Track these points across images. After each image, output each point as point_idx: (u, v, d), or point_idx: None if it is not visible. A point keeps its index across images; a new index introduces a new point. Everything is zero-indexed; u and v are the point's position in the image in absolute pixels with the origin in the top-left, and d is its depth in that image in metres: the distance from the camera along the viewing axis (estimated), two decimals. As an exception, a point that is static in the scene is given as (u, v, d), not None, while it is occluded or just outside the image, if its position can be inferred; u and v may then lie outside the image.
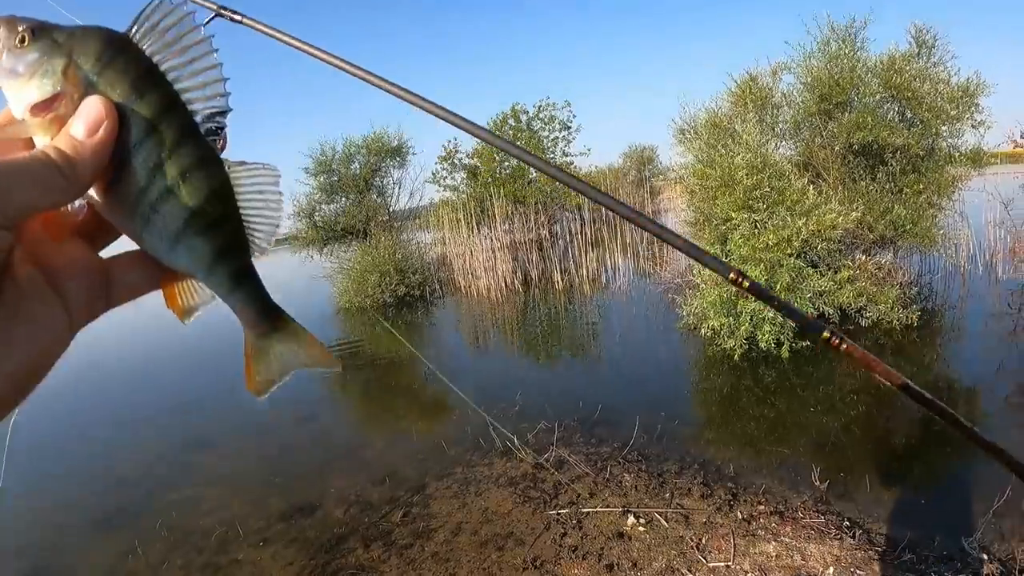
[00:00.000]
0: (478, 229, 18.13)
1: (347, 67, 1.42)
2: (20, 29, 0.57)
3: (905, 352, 8.59)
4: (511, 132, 23.40)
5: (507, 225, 19.77)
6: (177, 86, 0.60)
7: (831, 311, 8.77)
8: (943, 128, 10.45)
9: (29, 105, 0.58)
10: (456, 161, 23.63)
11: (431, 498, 5.86)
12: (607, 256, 16.85)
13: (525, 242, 19.27)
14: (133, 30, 0.60)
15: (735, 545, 4.58)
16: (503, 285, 16.28)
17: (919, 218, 10.17)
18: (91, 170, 0.56)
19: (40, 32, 0.57)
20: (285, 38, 1.52)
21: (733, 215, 8.77)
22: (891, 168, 10.39)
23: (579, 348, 11.26)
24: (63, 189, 0.54)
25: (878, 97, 10.61)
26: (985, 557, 4.22)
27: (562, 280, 16.28)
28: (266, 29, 1.54)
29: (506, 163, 23.03)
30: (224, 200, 0.63)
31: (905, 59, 10.46)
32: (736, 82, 11.54)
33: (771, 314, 8.17)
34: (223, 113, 0.63)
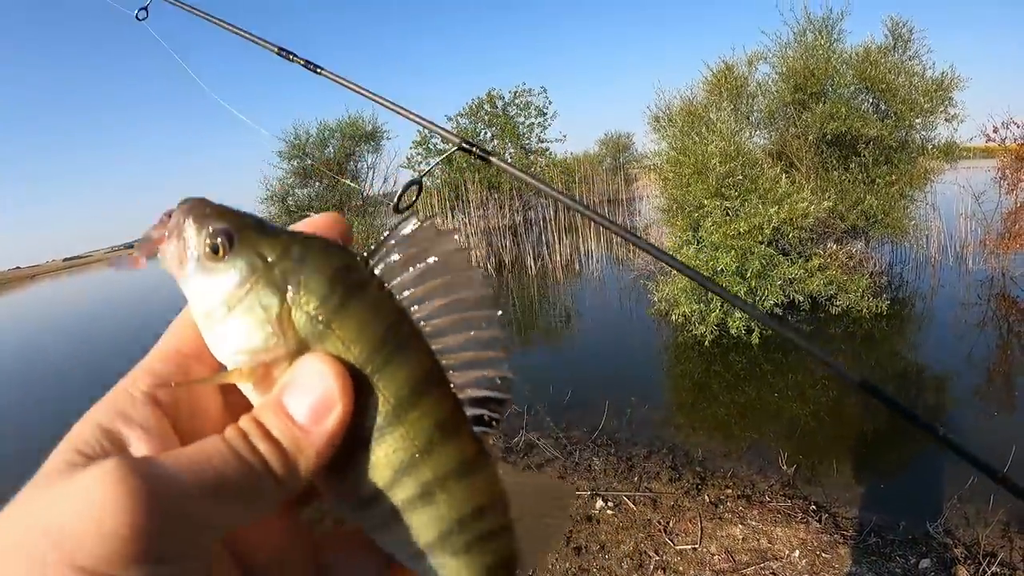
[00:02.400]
0: (452, 215, 18.07)
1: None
2: (214, 231, 0.42)
3: (875, 340, 8.67)
4: (487, 118, 23.31)
5: (481, 211, 19.69)
6: (437, 345, 0.45)
7: (801, 299, 8.84)
8: (916, 121, 10.56)
9: (228, 348, 0.43)
10: (431, 146, 23.50)
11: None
12: (581, 242, 16.85)
13: (499, 228, 19.22)
14: (377, 257, 0.45)
15: (702, 528, 4.60)
16: (477, 271, 16.29)
17: (891, 209, 10.27)
18: (315, 468, 0.42)
19: (240, 241, 0.43)
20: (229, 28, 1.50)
21: (706, 202, 8.79)
22: (864, 159, 10.47)
23: (551, 333, 11.27)
24: (271, 500, 0.41)
25: (852, 88, 10.70)
26: (950, 541, 4.28)
27: (535, 266, 16.28)
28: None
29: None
30: (494, 513, 0.47)
31: (881, 52, 10.55)
32: (712, 71, 11.56)
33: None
34: (501, 403, 0.46)
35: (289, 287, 0.42)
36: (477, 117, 23.34)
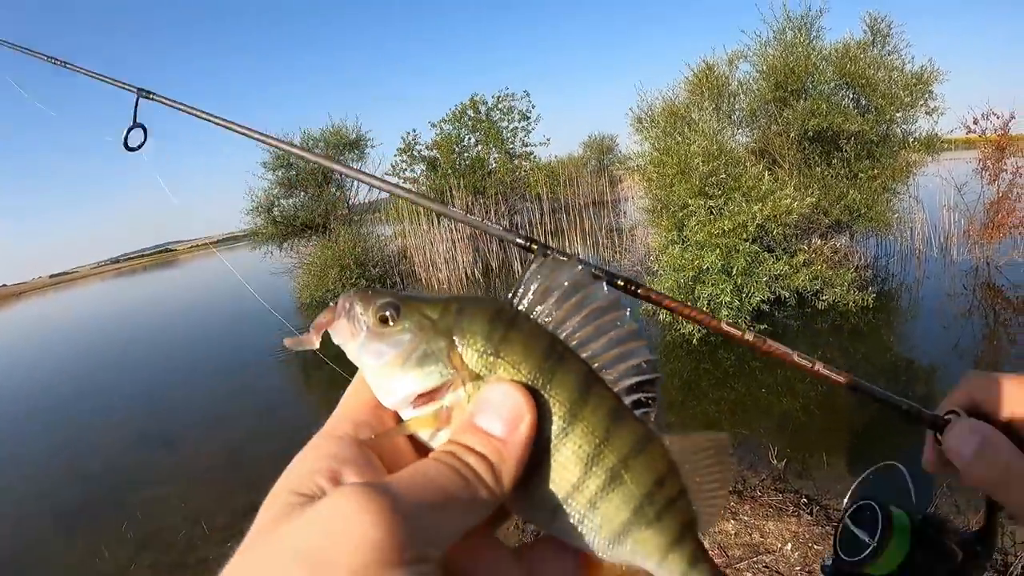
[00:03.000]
0: (438, 221, 18.04)
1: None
2: (381, 305, 0.50)
3: (862, 334, 8.71)
4: (470, 123, 23.33)
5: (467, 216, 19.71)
6: (586, 355, 0.51)
7: (787, 294, 8.87)
8: (897, 115, 10.66)
9: (405, 394, 0.49)
10: (415, 153, 23.48)
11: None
12: (567, 245, 16.87)
13: (485, 232, 19.27)
14: (519, 297, 0.52)
15: (694, 524, 4.61)
16: (464, 276, 16.27)
17: (874, 202, 10.34)
18: (516, 474, 0.47)
19: (406, 308, 0.51)
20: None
21: (690, 202, 8.82)
22: (846, 154, 10.55)
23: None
24: (489, 504, 0.45)
25: (833, 85, 10.77)
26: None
27: (523, 269, 16.32)
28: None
29: (466, 154, 22.96)
30: (672, 480, 0.53)
31: (860, 47, 10.63)
32: (693, 71, 11.62)
33: (728, 298, 8.24)
34: (652, 382, 0.52)
35: (455, 334, 0.50)
36: (461, 123, 23.36)
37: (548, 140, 25.75)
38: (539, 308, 0.52)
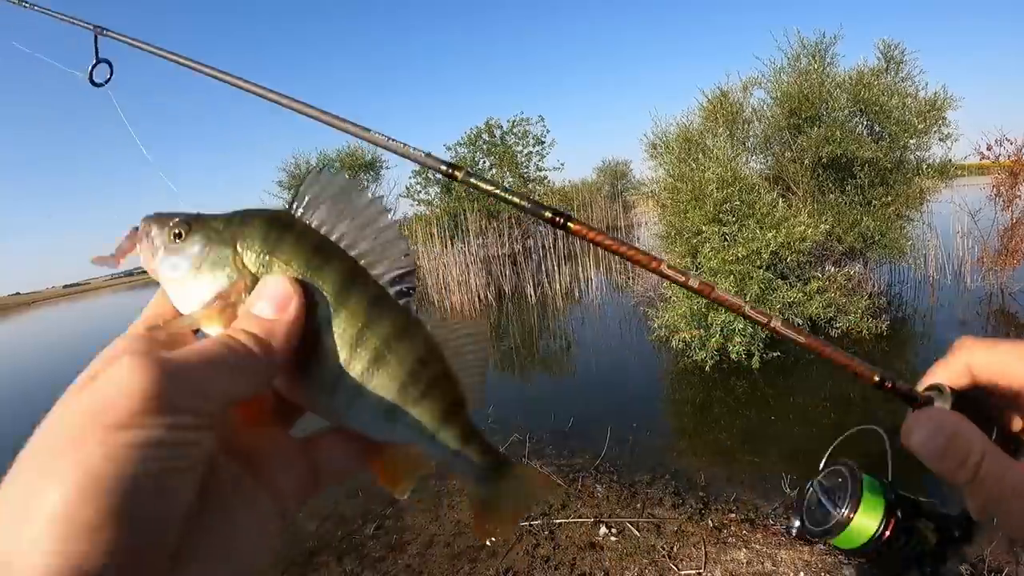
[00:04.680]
0: (452, 244, 18.08)
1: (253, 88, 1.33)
2: (173, 224, 0.57)
3: (876, 361, 8.58)
4: (485, 147, 23.43)
5: (481, 239, 19.74)
6: (354, 252, 0.58)
7: (801, 322, 8.85)
8: (911, 141, 10.65)
9: (199, 298, 0.56)
10: (430, 175, 23.59)
11: (404, 511, 5.83)
12: (580, 270, 16.88)
13: (499, 256, 19.24)
14: (294, 205, 0.59)
15: (706, 553, 4.60)
16: (477, 299, 16.26)
17: (888, 229, 10.32)
18: (286, 350, 0.53)
19: (195, 225, 0.57)
20: (175, 58, 1.47)
21: (704, 228, 8.84)
22: (860, 181, 10.53)
23: (552, 361, 11.27)
24: (260, 374, 0.51)
25: (847, 111, 10.77)
26: (955, 557, 4.27)
27: (535, 294, 16.28)
28: (153, 49, 1.51)
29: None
30: (435, 360, 0.60)
31: (873, 74, 10.65)
32: (707, 97, 11.67)
33: (741, 325, 8.23)
34: (410, 273, 0.60)
35: (237, 241, 0.56)
36: (475, 146, 23.47)
37: (562, 165, 25.81)
38: (311, 214, 0.58)
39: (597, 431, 6.85)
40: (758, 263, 8.40)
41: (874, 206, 10.40)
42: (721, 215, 8.79)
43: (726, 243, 8.65)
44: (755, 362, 8.24)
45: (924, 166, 10.80)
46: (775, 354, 8.39)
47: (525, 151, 23.66)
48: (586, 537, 4.98)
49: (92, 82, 1.66)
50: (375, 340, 0.56)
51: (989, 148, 11.46)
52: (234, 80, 1.26)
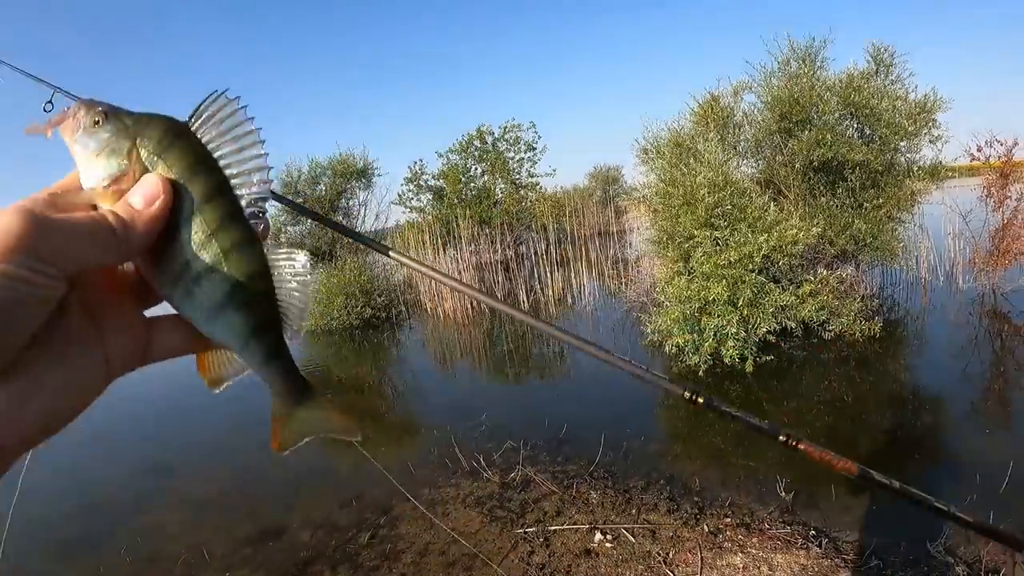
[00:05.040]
0: (444, 251, 18.08)
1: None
2: (96, 111, 0.64)
3: (869, 364, 8.69)
4: (477, 153, 23.46)
5: (473, 246, 19.71)
6: (227, 172, 0.66)
7: (794, 325, 8.87)
8: (901, 144, 10.69)
9: (96, 177, 0.63)
10: (422, 182, 23.61)
11: (398, 519, 5.80)
12: (572, 276, 16.87)
13: (491, 263, 19.20)
14: (192, 120, 0.66)
15: (702, 558, 4.58)
16: (469, 306, 16.22)
17: (879, 232, 10.35)
18: (143, 237, 0.61)
19: (112, 115, 0.64)
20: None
21: (695, 233, 8.83)
22: (851, 183, 10.57)
23: (545, 367, 11.25)
24: (115, 250, 0.58)
25: (837, 115, 10.80)
26: (951, 560, 4.27)
27: (528, 300, 16.27)
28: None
29: (472, 184, 23.07)
30: (262, 279, 0.68)
31: (863, 77, 10.70)
32: (698, 102, 11.70)
33: (734, 330, 8.24)
34: (264, 199, 0.68)
35: (138, 137, 0.64)
36: (467, 153, 23.49)
37: (554, 171, 25.97)
38: (203, 129, 0.66)
39: (591, 437, 6.84)
40: (750, 267, 8.41)
41: (865, 208, 10.43)
42: (713, 219, 8.79)
43: (718, 247, 8.65)
44: (749, 366, 8.25)
45: (915, 168, 10.83)
46: (769, 358, 8.40)
47: (517, 157, 23.72)
48: (581, 544, 4.96)
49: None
50: (217, 247, 0.64)
51: (979, 149, 11.50)
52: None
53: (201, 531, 6.33)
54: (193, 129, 0.66)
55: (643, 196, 11.08)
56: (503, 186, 23.24)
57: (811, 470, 5.86)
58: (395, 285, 18.42)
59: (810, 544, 4.61)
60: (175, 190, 0.63)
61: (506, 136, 23.67)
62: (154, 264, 0.64)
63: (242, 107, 0.67)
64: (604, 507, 5.52)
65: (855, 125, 10.95)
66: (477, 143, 23.59)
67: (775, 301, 8.61)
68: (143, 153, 0.64)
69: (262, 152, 0.67)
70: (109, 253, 0.58)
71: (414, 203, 23.66)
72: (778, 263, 8.80)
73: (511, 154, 23.64)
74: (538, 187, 24.21)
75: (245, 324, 0.67)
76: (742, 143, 11.84)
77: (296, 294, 0.70)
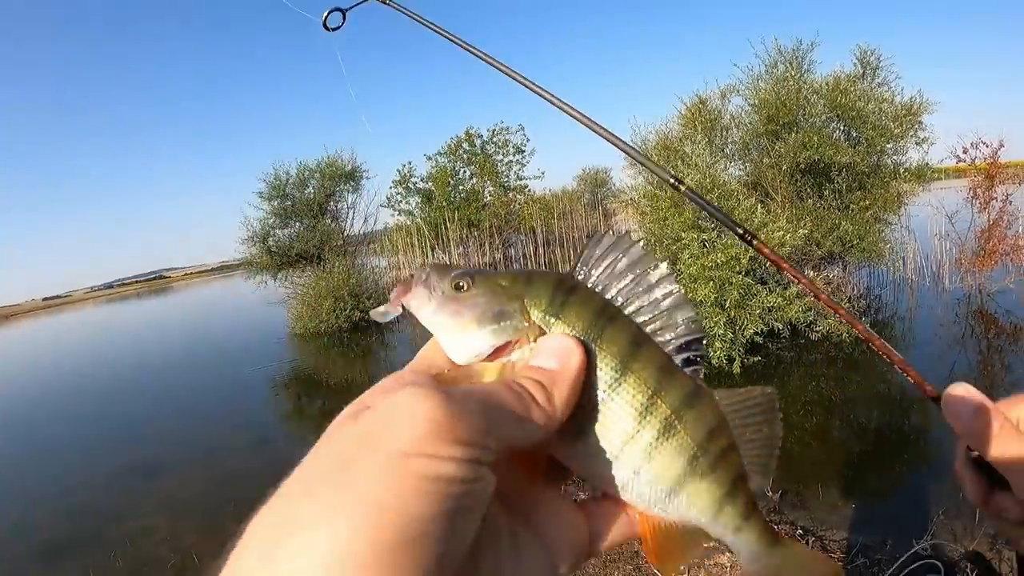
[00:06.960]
0: (432, 253, 18.07)
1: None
2: (457, 276, 0.56)
3: (856, 364, 8.73)
4: (465, 156, 23.43)
5: (461, 249, 19.73)
6: (639, 319, 0.56)
7: (781, 326, 8.90)
8: (888, 146, 10.76)
9: (475, 348, 0.54)
10: (411, 185, 23.56)
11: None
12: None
13: (480, 265, 19.26)
14: (579, 268, 0.58)
15: (690, 557, 4.59)
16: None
17: (866, 233, 10.41)
18: (568, 401, 0.51)
19: (480, 277, 0.57)
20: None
21: (683, 235, 8.86)
22: (837, 185, 10.63)
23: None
24: (542, 423, 0.49)
25: (824, 117, 10.87)
26: (937, 558, 4.29)
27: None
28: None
29: (460, 187, 23.05)
30: (723, 435, 0.56)
31: (850, 80, 10.76)
32: (686, 104, 11.73)
33: (722, 331, 8.26)
34: (699, 340, 0.57)
35: (525, 297, 0.56)
36: (456, 156, 23.47)
37: (543, 173, 25.88)
38: (596, 277, 0.57)
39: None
40: (737, 269, 8.44)
41: (852, 210, 10.50)
42: (700, 222, 8.83)
43: (705, 249, 8.68)
44: (736, 367, 8.27)
45: (901, 170, 10.92)
46: (756, 359, 8.43)
47: (505, 160, 23.71)
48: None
49: (325, 27, 1.81)
50: (666, 409, 0.54)
51: (965, 151, 11.56)
52: (467, 47, 1.37)
53: (189, 534, 6.33)
54: (582, 278, 0.58)
55: (631, 199, 11.11)
56: (492, 189, 23.23)
57: (800, 470, 5.90)
58: (384, 287, 18.39)
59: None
60: (587, 351, 0.54)
61: (495, 139, 23.67)
62: (576, 441, 0.55)
63: (636, 242, 0.58)
64: (593, 508, 5.53)
65: (841, 127, 11.03)
66: (466, 146, 23.55)
67: (762, 302, 8.64)
68: (535, 314, 0.55)
69: (675, 288, 0.57)
70: (535, 428, 0.48)
71: (403, 206, 23.62)
72: (765, 265, 8.83)
73: (500, 157, 23.66)
74: (527, 190, 24.31)
75: (714, 493, 0.55)
76: (729, 145, 11.90)
77: (762, 438, 0.58)
